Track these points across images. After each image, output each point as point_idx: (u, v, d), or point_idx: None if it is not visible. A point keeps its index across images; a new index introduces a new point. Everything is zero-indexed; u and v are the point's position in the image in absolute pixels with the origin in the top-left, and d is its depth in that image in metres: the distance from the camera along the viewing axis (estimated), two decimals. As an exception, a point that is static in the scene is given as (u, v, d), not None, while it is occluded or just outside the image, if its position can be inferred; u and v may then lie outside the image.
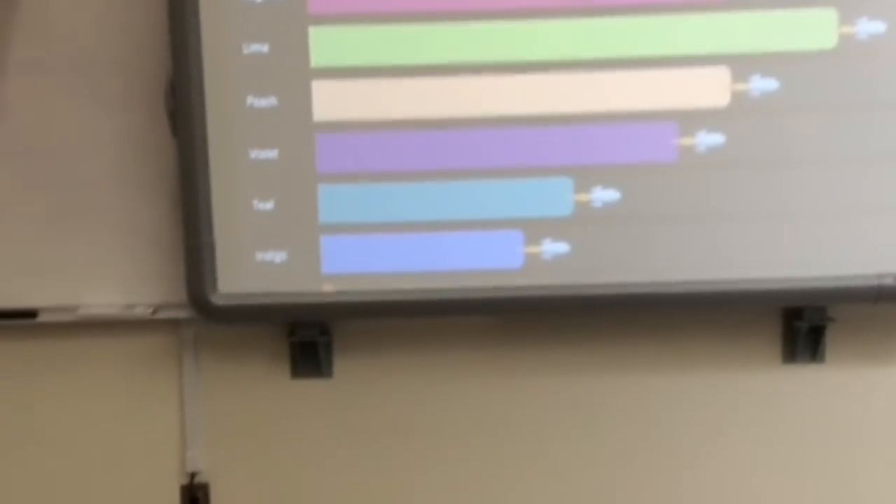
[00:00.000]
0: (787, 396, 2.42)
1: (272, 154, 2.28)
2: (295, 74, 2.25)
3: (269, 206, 2.30)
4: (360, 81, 2.25)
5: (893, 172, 2.26)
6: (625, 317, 2.41)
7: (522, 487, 2.46)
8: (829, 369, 2.41)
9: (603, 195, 2.29)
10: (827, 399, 2.42)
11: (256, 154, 2.28)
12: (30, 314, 2.38)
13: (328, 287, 2.32)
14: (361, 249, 2.31)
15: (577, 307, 2.34)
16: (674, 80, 2.23)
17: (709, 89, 2.24)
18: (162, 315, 2.38)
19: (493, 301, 2.31)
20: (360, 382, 2.45)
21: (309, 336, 2.40)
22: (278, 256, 2.31)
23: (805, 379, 2.42)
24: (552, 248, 2.31)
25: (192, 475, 2.47)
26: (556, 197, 2.29)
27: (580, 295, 2.30)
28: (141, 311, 2.37)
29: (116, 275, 2.36)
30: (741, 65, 2.22)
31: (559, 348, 2.43)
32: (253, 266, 2.31)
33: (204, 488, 2.47)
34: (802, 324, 2.38)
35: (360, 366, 2.44)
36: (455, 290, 2.31)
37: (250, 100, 2.26)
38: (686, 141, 2.26)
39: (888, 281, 2.27)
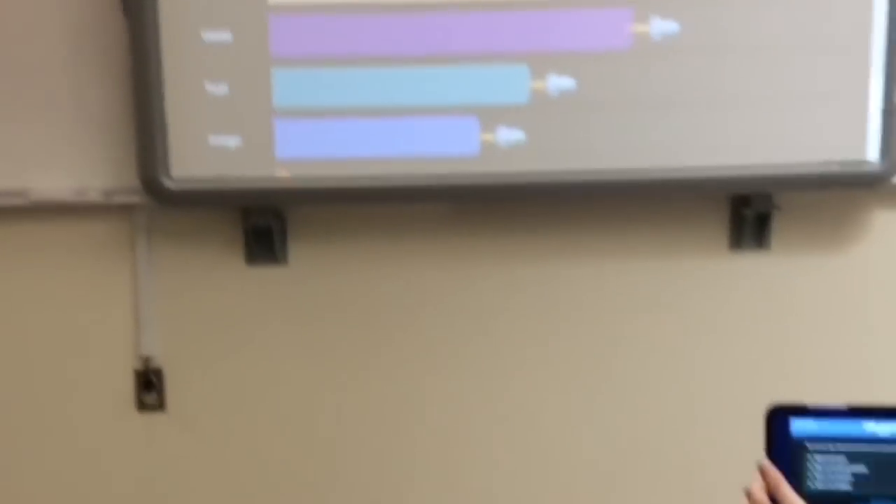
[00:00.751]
0: (733, 282, 2.48)
1: (226, 36, 2.24)
2: (249, -46, 2.22)
3: (222, 89, 2.27)
4: (315, -38, 2.23)
5: (840, 60, 2.29)
6: (578, 204, 2.44)
7: (477, 371, 2.51)
8: (775, 256, 2.47)
9: (559, 83, 2.29)
10: (772, 285, 2.48)
11: (209, 36, 2.24)
12: (-21, 198, 2.35)
13: (282, 172, 2.31)
14: (316, 134, 2.30)
15: (531, 194, 2.36)
16: (630, -34, 2.24)
17: (665, -25, 2.25)
18: (115, 200, 2.35)
19: (448, 188, 2.32)
20: (314, 268, 2.45)
21: (263, 222, 2.40)
22: (232, 141, 2.29)
23: (751, 265, 2.47)
24: (508, 135, 2.31)
25: (146, 360, 2.47)
26: (513, 84, 2.29)
27: (534, 182, 2.32)
28: (93, 196, 2.35)
29: (69, 159, 2.33)
30: (697, -49, 2.24)
31: (513, 235, 2.45)
32: (206, 150, 2.29)
33: (158, 373, 2.48)
34: (749, 211, 2.42)
35: (314, 252, 2.45)
36: (410, 176, 2.31)
37: (203, -21, 2.23)
38: (640, 28, 2.27)
39: (833, 168, 2.32)
